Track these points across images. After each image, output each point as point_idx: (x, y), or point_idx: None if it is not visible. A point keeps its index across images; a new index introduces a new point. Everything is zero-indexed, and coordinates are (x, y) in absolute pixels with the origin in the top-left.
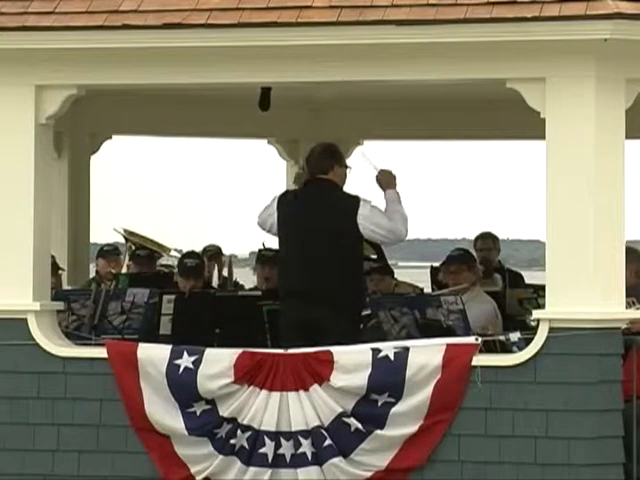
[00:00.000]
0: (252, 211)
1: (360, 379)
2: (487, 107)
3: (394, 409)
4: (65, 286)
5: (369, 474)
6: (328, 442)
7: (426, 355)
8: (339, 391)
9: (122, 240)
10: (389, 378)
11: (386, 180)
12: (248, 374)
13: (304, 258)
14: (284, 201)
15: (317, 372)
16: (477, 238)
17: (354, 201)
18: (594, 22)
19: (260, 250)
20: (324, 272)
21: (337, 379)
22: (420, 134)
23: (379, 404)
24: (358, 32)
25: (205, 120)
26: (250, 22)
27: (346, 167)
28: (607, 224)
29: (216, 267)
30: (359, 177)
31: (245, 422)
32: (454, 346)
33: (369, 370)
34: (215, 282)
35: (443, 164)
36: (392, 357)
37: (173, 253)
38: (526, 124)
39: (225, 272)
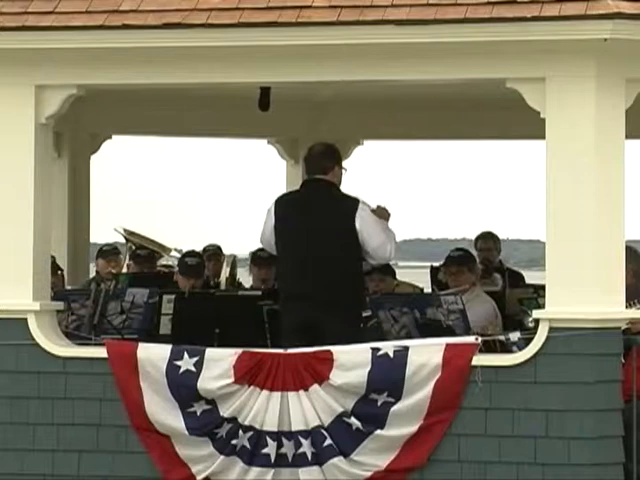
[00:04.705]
0: (252, 211)
1: (360, 376)
2: (487, 107)
3: (394, 409)
4: (65, 286)
5: (369, 474)
6: (328, 442)
7: (426, 354)
8: (339, 390)
9: (122, 240)
10: (389, 376)
11: (380, 214)
12: (248, 374)
13: (304, 259)
14: (282, 202)
15: (317, 371)
16: (478, 238)
17: (353, 202)
18: (594, 22)
19: (254, 252)
20: (324, 273)
21: (337, 377)
22: (420, 134)
23: (379, 404)
24: (358, 32)
25: (205, 120)
26: (250, 22)
27: (342, 168)
28: (607, 224)
29: (226, 270)
30: (357, 178)
31: (246, 422)
32: (454, 346)
33: (369, 367)
34: (223, 285)
35: (443, 164)
36: (392, 355)
37: (173, 253)
38: (526, 124)
39: (227, 272)
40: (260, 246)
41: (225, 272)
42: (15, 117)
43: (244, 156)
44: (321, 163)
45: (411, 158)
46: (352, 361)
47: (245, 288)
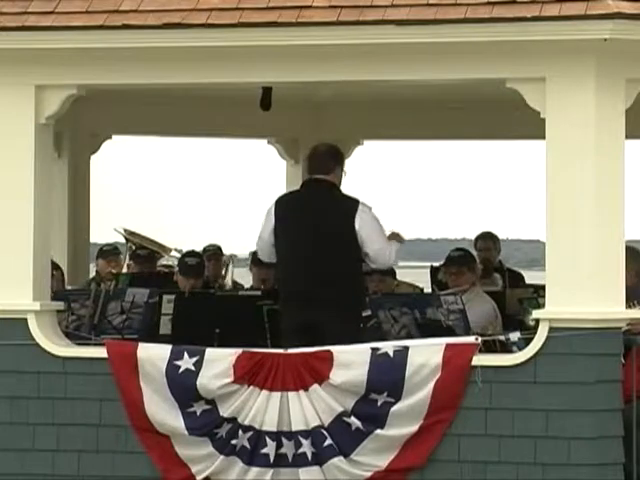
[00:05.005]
0: (252, 211)
1: (359, 375)
2: (487, 107)
3: (394, 408)
4: (65, 286)
5: (369, 474)
6: (328, 442)
7: (426, 354)
8: (339, 389)
9: (122, 240)
10: (388, 375)
11: (393, 238)
12: (248, 374)
13: (304, 259)
14: (283, 203)
15: (317, 370)
16: (477, 238)
17: (354, 203)
18: (594, 22)
19: (254, 252)
20: (324, 273)
21: (336, 376)
22: (420, 134)
23: (379, 404)
24: (358, 32)
25: (205, 120)
26: (250, 22)
27: (343, 171)
28: (607, 224)
29: (229, 271)
30: (357, 178)
31: (246, 422)
32: (454, 346)
33: (368, 367)
34: (228, 286)
35: (443, 164)
36: (391, 354)
37: (173, 253)
38: (526, 124)
39: (228, 274)
40: None
41: (228, 272)
42: (15, 117)
43: (244, 156)
44: (325, 163)
45: (411, 158)
46: (352, 360)
47: (245, 288)
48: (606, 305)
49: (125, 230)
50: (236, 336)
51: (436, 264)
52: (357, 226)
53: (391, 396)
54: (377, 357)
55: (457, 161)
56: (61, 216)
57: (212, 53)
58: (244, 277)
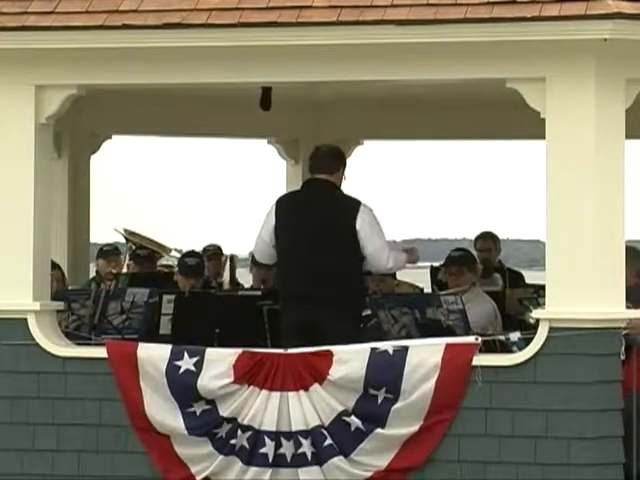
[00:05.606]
0: (252, 211)
1: (358, 371)
2: (487, 107)
3: (395, 407)
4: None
5: (369, 474)
6: (328, 442)
7: (425, 354)
8: (338, 387)
9: (122, 240)
10: (387, 371)
11: (411, 253)
12: (248, 374)
13: (304, 259)
14: (284, 203)
15: (317, 369)
16: (477, 238)
17: (355, 203)
18: (594, 22)
19: None
20: (324, 273)
21: (335, 372)
22: (421, 134)
23: (379, 401)
24: (358, 32)
25: (205, 120)
26: (250, 22)
27: (344, 175)
28: (607, 224)
29: (227, 269)
30: (357, 178)
31: (245, 422)
32: (454, 346)
33: (367, 362)
34: (226, 285)
35: (443, 164)
36: (391, 352)
37: (173, 253)
38: (526, 124)
39: (226, 272)
40: None
41: (227, 272)
42: (15, 117)
43: (244, 156)
44: (328, 163)
45: (411, 158)
46: (351, 357)
47: (245, 288)
48: (606, 305)
49: (125, 230)
50: (236, 336)
51: (436, 264)
52: (358, 227)
53: (390, 392)
54: (376, 355)
55: (457, 161)
56: (61, 216)
57: (212, 53)
58: (244, 277)
